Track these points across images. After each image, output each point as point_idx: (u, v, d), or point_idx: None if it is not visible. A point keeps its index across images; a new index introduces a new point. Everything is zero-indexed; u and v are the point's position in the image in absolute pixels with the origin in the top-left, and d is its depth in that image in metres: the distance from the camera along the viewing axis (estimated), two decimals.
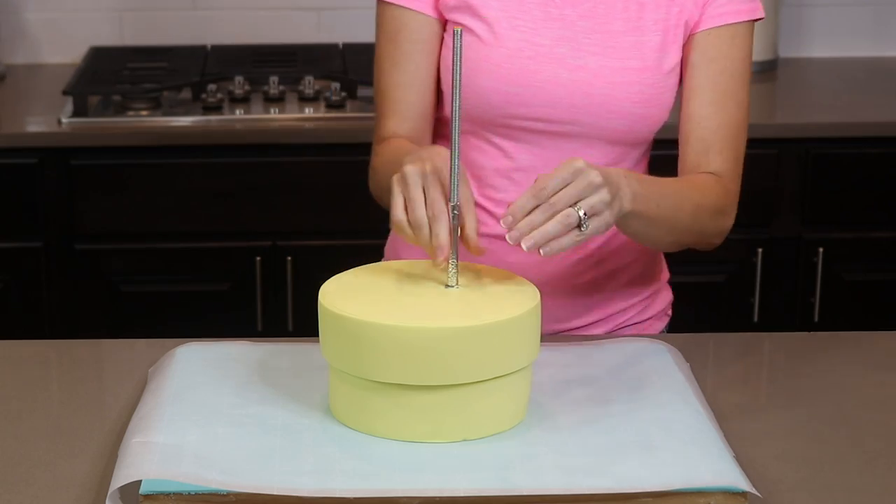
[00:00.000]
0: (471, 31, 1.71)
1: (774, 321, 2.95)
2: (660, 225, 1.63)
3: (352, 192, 2.72)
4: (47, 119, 2.85)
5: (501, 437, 1.42)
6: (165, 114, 2.84)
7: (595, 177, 1.45)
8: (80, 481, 1.40)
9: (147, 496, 1.30)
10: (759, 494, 1.33)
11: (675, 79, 1.76)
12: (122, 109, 2.85)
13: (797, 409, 1.60)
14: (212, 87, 2.88)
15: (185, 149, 2.80)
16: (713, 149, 1.74)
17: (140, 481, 1.31)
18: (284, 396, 1.48)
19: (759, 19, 1.76)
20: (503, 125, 1.73)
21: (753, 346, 1.83)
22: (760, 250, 2.91)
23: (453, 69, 1.42)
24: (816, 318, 2.96)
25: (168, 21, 3.27)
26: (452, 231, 1.46)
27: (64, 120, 2.80)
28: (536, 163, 1.74)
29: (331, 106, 2.87)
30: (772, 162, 2.88)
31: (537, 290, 1.46)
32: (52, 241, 2.82)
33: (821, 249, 2.92)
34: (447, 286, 1.46)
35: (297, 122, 2.83)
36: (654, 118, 1.75)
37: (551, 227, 1.42)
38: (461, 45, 1.42)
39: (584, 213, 1.44)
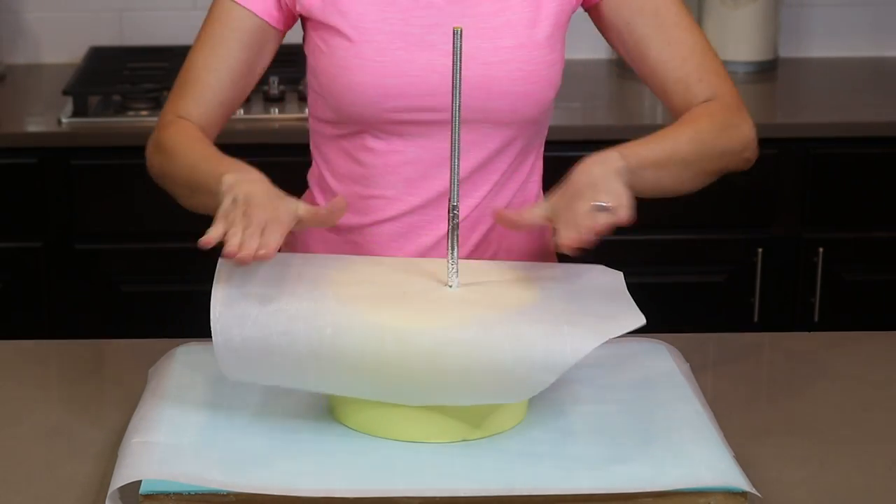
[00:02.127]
0: (338, 30, 1.69)
1: (774, 321, 2.95)
2: (668, 167, 1.64)
3: None
4: (47, 119, 2.85)
5: (501, 437, 1.42)
6: None
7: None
8: (80, 481, 1.40)
9: (147, 496, 1.30)
10: (759, 494, 1.34)
11: (555, 54, 1.73)
12: (122, 109, 2.85)
13: (797, 409, 1.60)
14: None
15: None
16: (691, 81, 1.72)
17: (140, 481, 1.31)
18: (284, 396, 1.48)
19: None
20: (386, 120, 1.71)
21: (753, 346, 1.83)
22: (760, 250, 2.91)
23: (453, 69, 1.42)
24: (816, 318, 2.95)
25: (168, 21, 3.27)
26: (454, 230, 1.46)
27: (64, 120, 2.80)
28: (425, 155, 1.72)
29: None
30: (772, 162, 2.88)
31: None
32: (52, 241, 2.82)
33: (821, 249, 2.92)
34: (447, 286, 1.47)
35: (297, 122, 2.83)
36: (536, 95, 1.73)
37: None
38: (461, 45, 1.42)
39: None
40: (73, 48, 3.27)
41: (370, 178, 1.74)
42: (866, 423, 1.56)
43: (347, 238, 1.77)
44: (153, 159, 1.74)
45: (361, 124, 1.72)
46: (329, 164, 1.78)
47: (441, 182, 1.72)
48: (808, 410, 1.59)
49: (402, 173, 1.73)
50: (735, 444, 1.44)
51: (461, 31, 1.41)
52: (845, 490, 1.41)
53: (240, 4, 1.72)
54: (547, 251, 1.81)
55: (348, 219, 1.70)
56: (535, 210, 1.53)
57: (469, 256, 1.73)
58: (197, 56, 1.75)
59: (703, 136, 1.68)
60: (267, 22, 1.72)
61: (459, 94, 1.43)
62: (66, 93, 2.86)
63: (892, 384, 1.67)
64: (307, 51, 1.75)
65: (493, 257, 1.75)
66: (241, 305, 1.41)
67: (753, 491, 1.32)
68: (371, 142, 1.72)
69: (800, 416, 1.58)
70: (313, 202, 1.82)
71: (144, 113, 2.83)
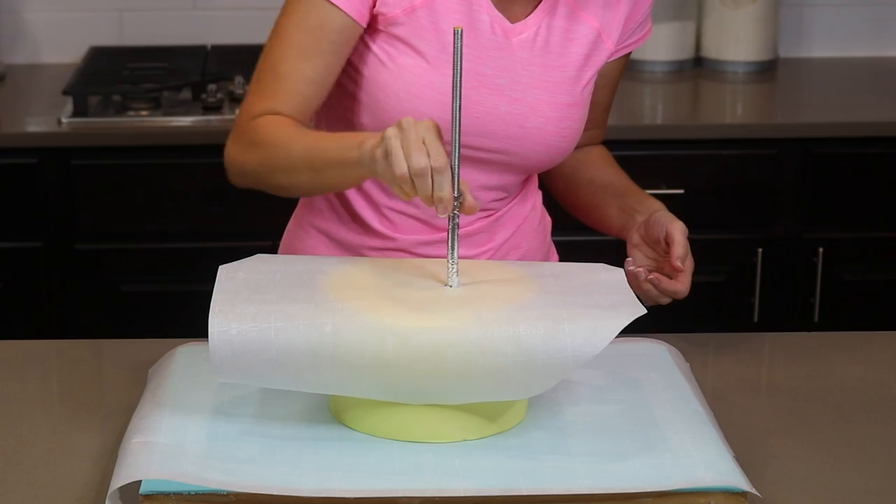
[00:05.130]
0: (414, 49, 1.65)
1: (774, 321, 2.95)
2: None
3: None
4: (47, 119, 2.85)
5: (501, 437, 1.42)
6: (165, 114, 2.84)
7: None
8: (80, 481, 1.40)
9: (147, 496, 1.30)
10: (759, 494, 1.34)
11: (586, 110, 1.77)
12: (122, 109, 2.85)
13: (797, 409, 1.60)
14: (212, 87, 2.88)
15: (185, 149, 2.80)
16: (598, 124, 1.87)
17: (140, 481, 1.31)
18: (284, 396, 1.48)
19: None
20: None
21: (753, 346, 1.83)
22: (760, 250, 2.91)
23: (454, 69, 1.42)
24: (816, 318, 2.95)
25: (168, 21, 3.27)
26: (454, 230, 1.46)
27: (64, 120, 2.80)
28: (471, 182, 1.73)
29: None
30: (772, 162, 2.88)
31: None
32: (52, 241, 2.82)
33: (821, 249, 2.92)
34: (447, 285, 1.47)
35: None
36: (569, 149, 1.75)
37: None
38: (462, 45, 1.42)
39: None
40: (73, 48, 3.27)
41: (391, 204, 1.74)
42: (866, 423, 1.56)
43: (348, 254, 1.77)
44: (245, 156, 1.64)
45: None
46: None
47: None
48: (808, 410, 1.59)
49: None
50: (735, 444, 1.44)
51: (461, 31, 1.41)
52: (845, 490, 1.41)
53: (339, 7, 1.63)
54: (549, 249, 1.87)
55: (354, 238, 1.74)
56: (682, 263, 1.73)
57: (493, 257, 1.77)
58: (291, 67, 1.64)
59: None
60: (357, 21, 1.64)
61: (460, 94, 1.43)
62: (66, 93, 2.86)
63: (892, 384, 1.67)
64: (354, 57, 1.68)
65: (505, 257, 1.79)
66: (240, 303, 1.41)
67: (753, 491, 1.32)
68: None
69: (800, 416, 1.58)
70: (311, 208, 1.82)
71: (144, 113, 2.83)
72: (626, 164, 2.87)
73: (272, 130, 1.61)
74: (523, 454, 1.38)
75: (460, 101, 1.43)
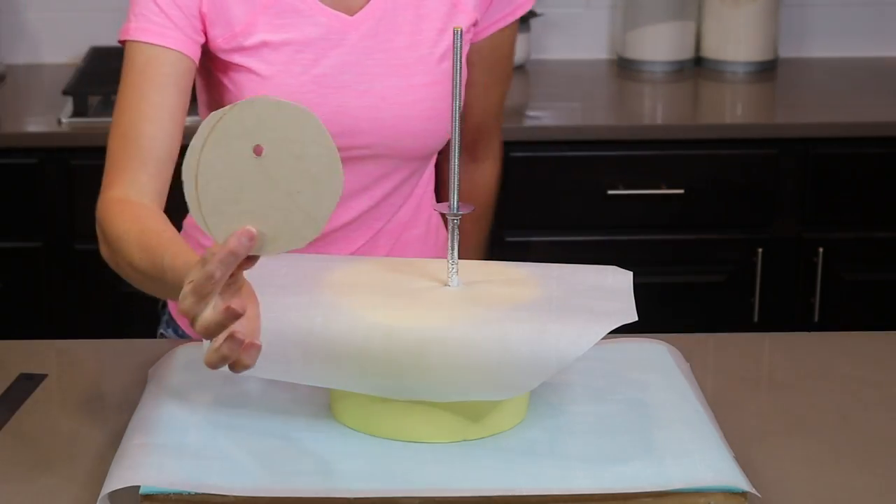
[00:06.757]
0: (249, 69, 1.67)
1: (774, 321, 2.95)
2: None
3: None
4: (47, 119, 2.85)
5: (501, 437, 1.42)
6: None
7: None
8: (80, 481, 1.40)
9: (147, 496, 1.30)
10: (758, 494, 1.34)
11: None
12: None
13: (797, 408, 1.60)
14: None
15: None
16: (489, 123, 1.87)
17: None
18: (284, 396, 1.48)
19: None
20: None
21: (753, 346, 1.83)
22: (760, 250, 2.91)
23: (453, 69, 1.42)
24: (816, 318, 2.96)
25: None
26: (454, 230, 1.46)
27: (64, 120, 2.80)
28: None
29: None
30: (772, 162, 2.88)
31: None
32: (52, 241, 2.82)
33: (821, 249, 2.92)
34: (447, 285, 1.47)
35: None
36: (443, 131, 1.74)
37: None
38: (461, 45, 1.42)
39: None
40: (73, 48, 3.27)
41: None
42: (866, 423, 1.56)
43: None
44: (110, 252, 1.60)
45: None
46: None
47: (355, 209, 1.75)
48: (808, 410, 1.59)
49: None
50: (735, 444, 1.44)
51: (461, 31, 1.41)
52: (845, 490, 1.41)
53: (160, 45, 1.61)
54: (440, 245, 1.87)
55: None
56: None
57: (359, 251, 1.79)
58: (130, 112, 1.62)
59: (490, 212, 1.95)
60: (188, 57, 1.64)
61: (459, 94, 1.43)
62: (66, 93, 2.86)
63: (892, 384, 1.67)
64: (203, 87, 1.72)
65: (389, 253, 1.80)
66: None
67: (753, 491, 1.32)
68: None
69: (800, 416, 1.58)
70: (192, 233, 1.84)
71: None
72: (626, 163, 2.89)
73: (127, 229, 1.52)
74: (523, 454, 1.38)
75: (460, 101, 1.43)
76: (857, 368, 1.71)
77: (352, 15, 1.68)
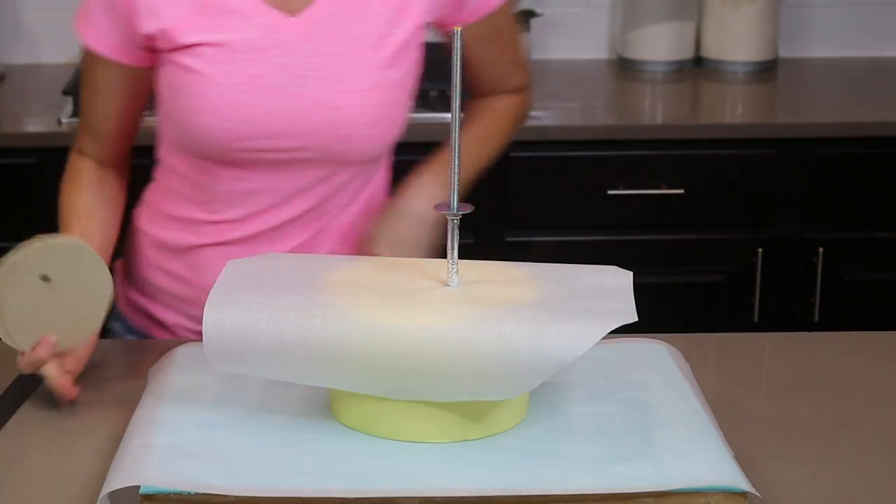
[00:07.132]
0: (187, 68, 1.68)
1: (774, 321, 2.95)
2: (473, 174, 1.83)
3: None
4: (47, 119, 2.85)
5: (501, 437, 1.42)
6: None
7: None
8: (80, 481, 1.40)
9: (147, 496, 1.30)
10: (758, 494, 1.34)
11: (406, 91, 1.74)
12: None
13: (797, 408, 1.60)
14: None
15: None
16: (505, 77, 1.86)
17: None
18: (284, 396, 1.48)
19: None
20: (231, 157, 1.71)
21: (753, 346, 1.83)
22: (760, 250, 2.91)
23: (453, 69, 1.42)
24: (816, 318, 2.96)
25: None
26: (454, 230, 1.46)
27: (64, 120, 2.80)
28: (272, 185, 1.74)
29: None
30: (772, 162, 2.89)
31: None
32: None
33: (821, 249, 2.92)
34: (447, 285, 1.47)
35: None
36: (384, 137, 1.73)
37: None
38: (461, 45, 1.42)
39: None
40: (74, 48, 3.26)
41: (214, 203, 1.76)
42: (866, 423, 1.56)
43: (181, 258, 1.82)
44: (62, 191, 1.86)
45: (208, 157, 1.73)
46: (171, 184, 1.80)
47: (298, 207, 1.76)
48: (808, 410, 1.59)
49: (247, 201, 1.75)
50: (735, 444, 1.44)
51: (461, 31, 1.41)
52: (845, 490, 1.41)
53: (97, 52, 1.74)
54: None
55: (185, 238, 1.78)
56: None
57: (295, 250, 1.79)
58: (85, 101, 1.84)
59: (504, 139, 1.90)
60: (121, 63, 1.73)
61: (459, 94, 1.43)
62: (66, 93, 2.86)
63: (892, 384, 1.67)
64: (156, 82, 1.75)
65: (333, 251, 1.80)
66: (238, 294, 1.42)
67: (753, 491, 1.32)
68: (217, 170, 1.73)
69: (800, 416, 1.58)
70: (142, 219, 1.88)
71: (144, 113, 2.83)
72: (626, 163, 2.89)
73: (68, 182, 1.90)
74: (523, 454, 1.38)
75: (459, 100, 1.43)
76: (856, 368, 1.71)
77: (294, 15, 1.68)
